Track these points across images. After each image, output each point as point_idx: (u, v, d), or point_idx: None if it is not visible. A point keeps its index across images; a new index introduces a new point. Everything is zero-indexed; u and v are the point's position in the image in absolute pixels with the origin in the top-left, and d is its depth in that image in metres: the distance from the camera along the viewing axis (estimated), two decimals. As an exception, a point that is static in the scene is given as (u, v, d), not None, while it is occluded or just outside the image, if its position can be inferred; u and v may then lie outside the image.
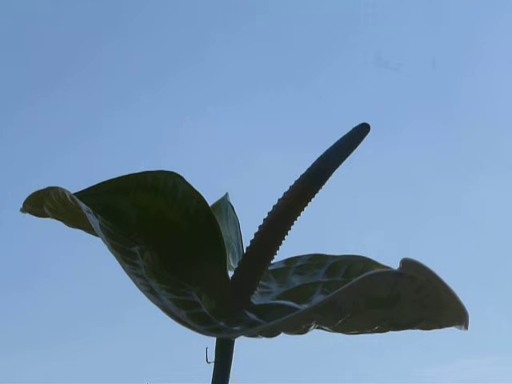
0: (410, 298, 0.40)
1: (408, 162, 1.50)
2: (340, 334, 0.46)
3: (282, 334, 0.43)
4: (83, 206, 0.46)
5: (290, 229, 0.48)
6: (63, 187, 0.47)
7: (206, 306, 0.46)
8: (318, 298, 0.51)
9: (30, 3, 1.60)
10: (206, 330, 0.43)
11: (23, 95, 1.62)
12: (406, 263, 0.39)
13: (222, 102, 1.54)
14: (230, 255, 0.53)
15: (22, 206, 0.50)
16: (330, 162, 0.47)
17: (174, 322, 0.43)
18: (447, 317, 0.42)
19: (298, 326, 0.42)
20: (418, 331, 0.46)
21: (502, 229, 1.49)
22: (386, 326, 0.45)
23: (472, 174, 1.53)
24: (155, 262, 0.47)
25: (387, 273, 0.41)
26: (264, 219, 0.48)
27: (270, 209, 0.48)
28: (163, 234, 0.50)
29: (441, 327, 0.44)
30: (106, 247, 0.45)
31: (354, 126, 0.47)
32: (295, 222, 0.48)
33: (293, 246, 0.51)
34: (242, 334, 0.43)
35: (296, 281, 0.53)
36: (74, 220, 0.51)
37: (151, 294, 0.43)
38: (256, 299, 0.49)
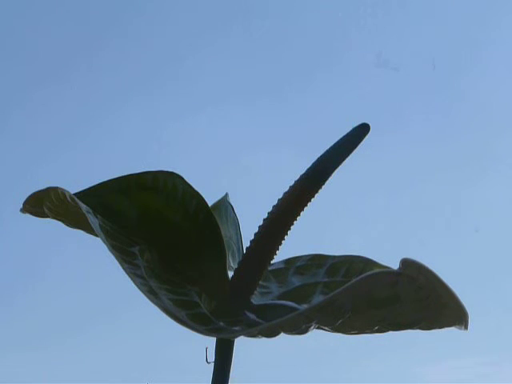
0: (410, 298, 0.40)
1: (407, 162, 1.50)
2: (340, 334, 0.46)
3: (282, 334, 0.43)
4: (83, 206, 0.46)
5: (289, 229, 0.48)
6: (63, 187, 0.47)
7: (206, 306, 0.46)
8: (318, 298, 0.51)
9: (25, 3, 1.60)
10: (206, 330, 0.43)
11: (23, 95, 1.62)
12: (406, 263, 0.39)
13: (222, 102, 1.54)
14: (229, 255, 0.53)
15: (21, 206, 0.50)
16: (330, 162, 0.47)
17: (173, 322, 0.43)
18: (447, 317, 0.42)
19: (298, 326, 0.42)
20: (416, 331, 0.46)
21: (501, 229, 1.49)
22: (385, 326, 0.45)
23: (472, 174, 1.53)
24: (155, 262, 0.47)
25: (387, 273, 0.41)
26: (264, 219, 0.48)
27: (270, 209, 0.48)
28: (163, 234, 0.50)
29: (441, 327, 0.44)
30: (105, 247, 0.45)
31: (354, 125, 0.47)
32: (295, 222, 0.48)
33: (293, 246, 0.51)
34: (241, 334, 0.43)
35: (296, 281, 0.53)
36: (74, 220, 0.51)
37: (151, 294, 0.43)
38: (256, 299, 0.49)
